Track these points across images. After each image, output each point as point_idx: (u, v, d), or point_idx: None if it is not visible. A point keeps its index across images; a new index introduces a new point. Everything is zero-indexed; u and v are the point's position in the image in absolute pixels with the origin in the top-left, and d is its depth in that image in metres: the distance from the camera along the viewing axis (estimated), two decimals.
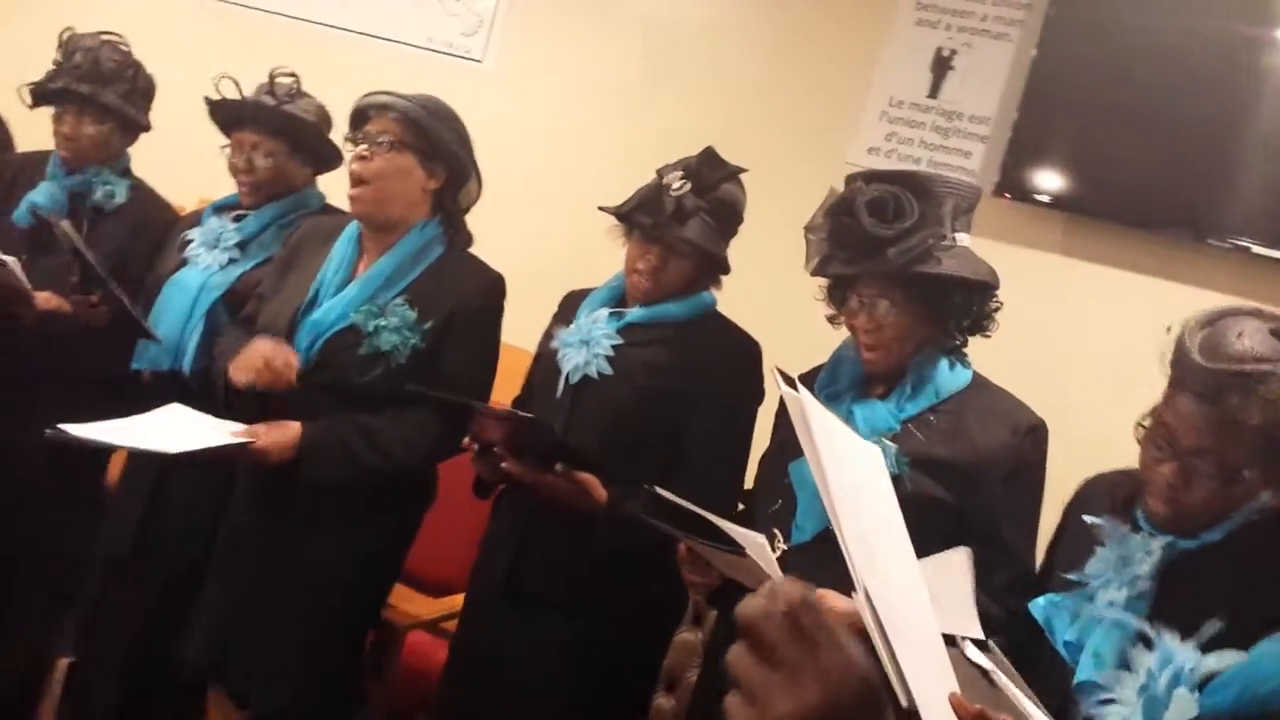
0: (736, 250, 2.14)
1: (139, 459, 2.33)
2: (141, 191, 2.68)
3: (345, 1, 3.95)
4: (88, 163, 2.57)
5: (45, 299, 2.37)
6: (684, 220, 1.99)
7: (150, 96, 2.68)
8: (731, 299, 2.21)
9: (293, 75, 2.52)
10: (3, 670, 2.80)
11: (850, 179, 1.82)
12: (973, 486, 1.70)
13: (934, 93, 3.07)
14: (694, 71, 3.43)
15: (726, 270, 2.13)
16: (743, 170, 2.09)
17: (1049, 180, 2.82)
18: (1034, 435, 1.77)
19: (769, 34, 3.34)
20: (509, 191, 3.30)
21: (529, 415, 1.98)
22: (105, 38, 2.58)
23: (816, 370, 1.93)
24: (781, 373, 1.28)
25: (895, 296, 1.73)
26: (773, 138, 3.20)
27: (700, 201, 2.00)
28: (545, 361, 2.16)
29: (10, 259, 2.28)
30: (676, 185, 1.99)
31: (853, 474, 1.17)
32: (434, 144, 2.14)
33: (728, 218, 2.06)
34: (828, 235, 1.78)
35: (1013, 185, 2.83)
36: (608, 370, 2.02)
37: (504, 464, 1.93)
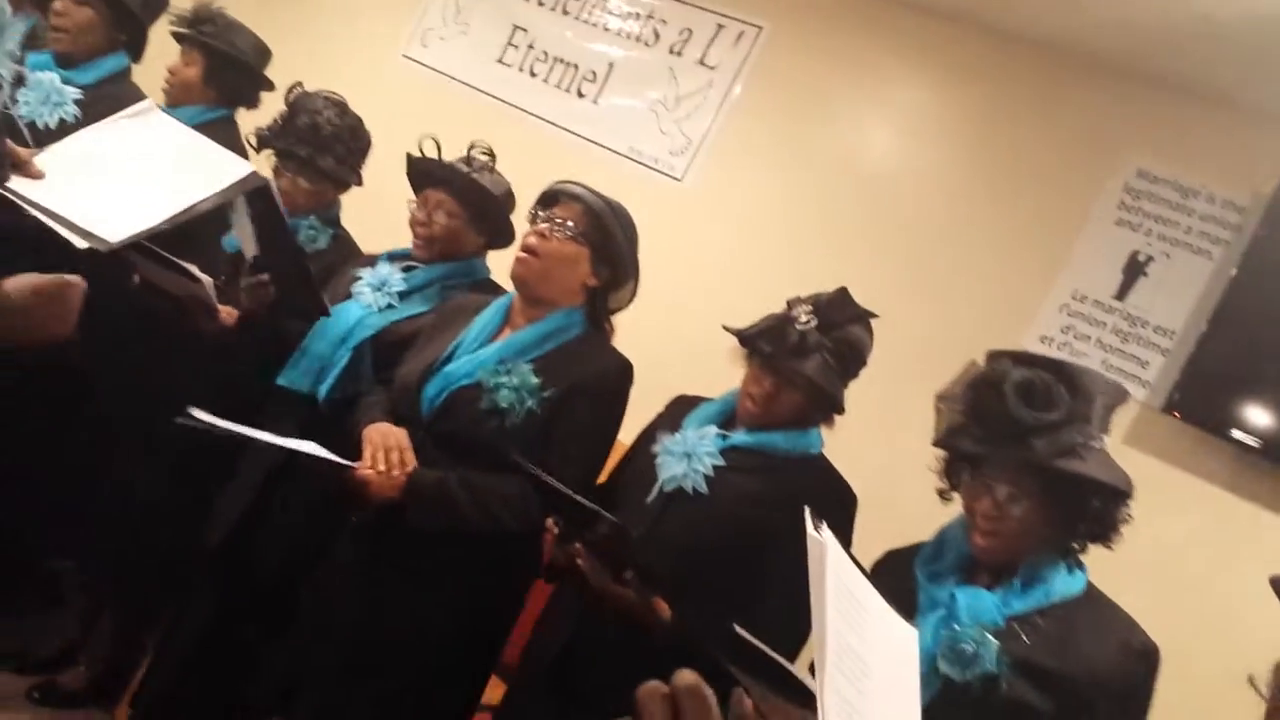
0: (865, 396, 2.09)
1: (251, 471, 2.43)
2: (342, 240, 2.84)
3: (566, 101, 4.17)
4: (300, 212, 2.74)
5: (227, 313, 2.54)
6: (804, 355, 1.96)
7: (365, 155, 2.84)
8: (847, 443, 2.15)
9: (490, 152, 2.64)
10: (100, 658, 2.95)
11: (995, 355, 1.75)
12: (1077, 703, 1.59)
13: (1121, 295, 2.96)
14: (878, 220, 3.44)
15: (839, 410, 2.08)
16: (873, 315, 2.05)
17: (1224, 408, 2.65)
18: (1148, 660, 1.64)
19: (964, 195, 3.32)
20: (679, 299, 3.38)
21: (614, 520, 1.93)
22: (328, 99, 2.76)
23: (915, 547, 1.85)
24: (811, 514, 1.22)
25: (1028, 488, 1.65)
26: (944, 300, 3.15)
27: (824, 339, 1.97)
28: (641, 461, 2.15)
29: (206, 278, 2.46)
30: (803, 319, 1.97)
31: (862, 638, 1.10)
32: (608, 246, 2.20)
33: (850, 359, 2.02)
34: (964, 409, 1.71)
35: (1185, 405, 2.68)
36: (703, 488, 1.99)
37: (579, 560, 1.90)
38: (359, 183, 2.86)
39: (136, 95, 2.65)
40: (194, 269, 2.42)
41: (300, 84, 2.78)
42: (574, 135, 4.10)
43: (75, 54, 2.73)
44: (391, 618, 2.13)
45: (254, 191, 2.20)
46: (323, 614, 2.23)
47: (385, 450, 2.06)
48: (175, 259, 2.39)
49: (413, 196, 2.64)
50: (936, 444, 1.76)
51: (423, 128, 4.17)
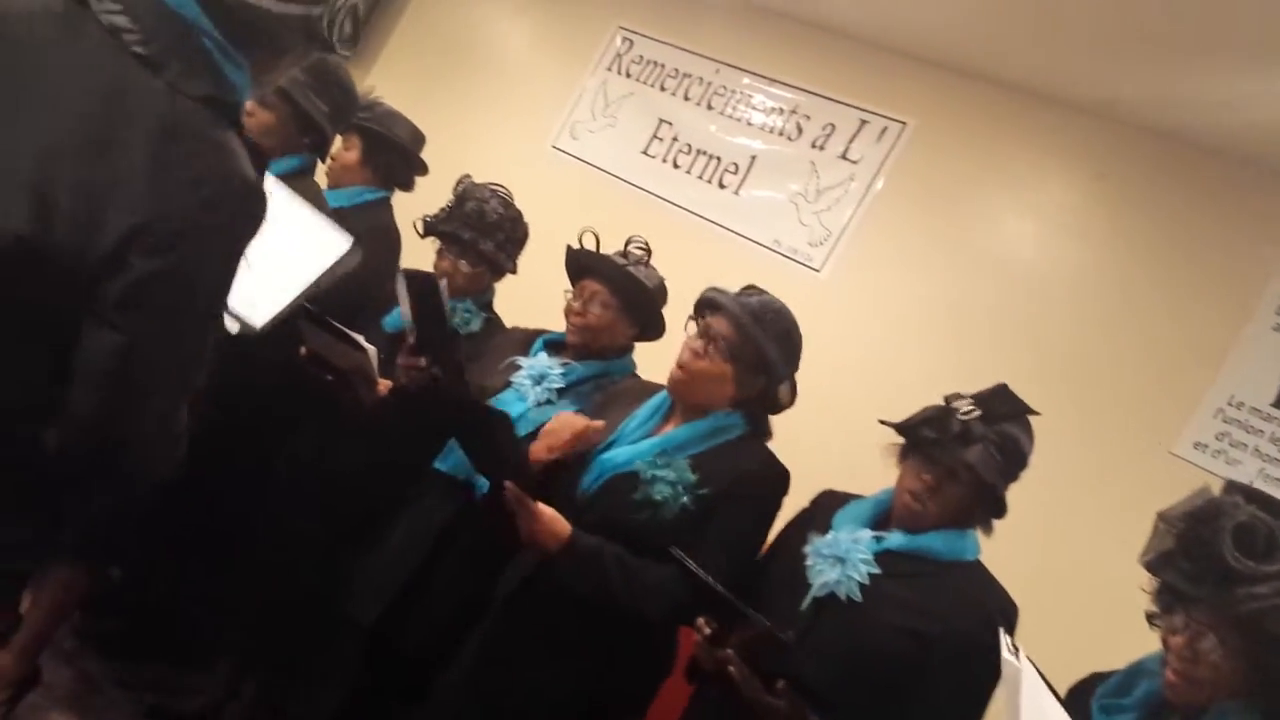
0: (1016, 500, 2.08)
1: (415, 536, 2.53)
2: (494, 324, 2.97)
3: (708, 192, 4.28)
4: (457, 295, 2.88)
5: (385, 385, 2.68)
6: (968, 444, 1.95)
7: (522, 245, 2.98)
8: (1001, 550, 2.13)
9: (645, 247, 2.73)
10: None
11: (1230, 487, 1.66)
12: None
13: None
14: (1023, 319, 3.42)
15: (1002, 509, 2.04)
16: (1035, 412, 2.03)
17: None
18: None
19: (1114, 296, 3.28)
20: (814, 391, 3.39)
21: (771, 627, 1.89)
22: (494, 190, 2.91)
23: (1101, 676, 1.80)
24: (1010, 641, 1.23)
25: (1228, 637, 1.55)
26: (1092, 403, 3.10)
27: (988, 431, 1.96)
28: (788, 560, 2.13)
29: (371, 348, 2.60)
30: (965, 409, 1.97)
31: None
32: (760, 360, 2.25)
33: (1012, 456, 1.99)
34: (1178, 536, 1.63)
35: None
36: (858, 596, 1.96)
37: (731, 666, 1.89)
38: (514, 270, 2.99)
39: (315, 193, 2.84)
40: (360, 339, 2.57)
41: (469, 176, 2.94)
42: (715, 225, 4.20)
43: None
44: (525, 693, 2.19)
45: (421, 282, 2.33)
46: (460, 686, 2.29)
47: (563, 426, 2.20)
48: (342, 328, 2.54)
49: (569, 286, 2.74)
50: (1144, 565, 1.70)
51: (571, 215, 4.32)
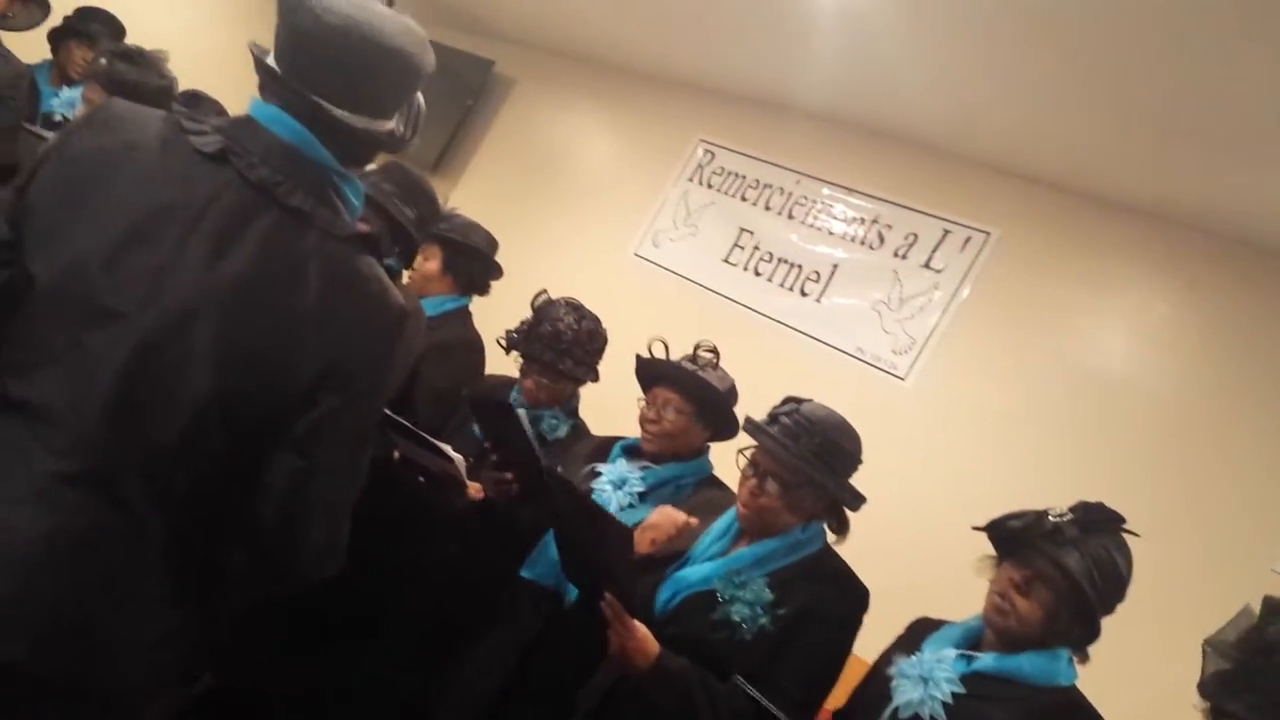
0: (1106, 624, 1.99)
1: (503, 646, 2.52)
2: (580, 429, 3.00)
3: (790, 299, 4.30)
4: (542, 405, 2.93)
5: (475, 490, 2.71)
6: (1059, 544, 1.89)
7: (601, 354, 3.02)
8: (1093, 681, 2.04)
9: (714, 350, 2.74)
10: None
11: (1274, 606, 1.62)
12: None
13: None
14: (1113, 433, 3.34)
15: (1096, 631, 1.95)
16: (1133, 533, 1.96)
17: None
18: None
19: (1206, 410, 3.21)
20: (896, 499, 3.35)
21: None
22: (569, 305, 2.96)
23: None
24: None
25: None
26: (1185, 521, 2.99)
27: (1081, 536, 1.90)
28: (876, 684, 2.09)
29: (458, 456, 2.64)
30: (1058, 513, 1.92)
31: None
32: (831, 490, 2.22)
33: (1109, 570, 1.91)
34: (1234, 663, 1.60)
35: None
36: (941, 717, 1.90)
37: None
38: (595, 379, 3.02)
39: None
40: (447, 448, 2.60)
41: (545, 291, 3.00)
42: (797, 332, 4.21)
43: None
44: None
45: (496, 409, 2.40)
46: None
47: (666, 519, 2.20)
48: (428, 438, 2.59)
49: (642, 394, 2.75)
50: (1202, 695, 1.64)
51: (652, 321, 4.38)
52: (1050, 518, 1.93)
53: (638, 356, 2.71)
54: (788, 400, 2.33)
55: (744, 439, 2.35)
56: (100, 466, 1.33)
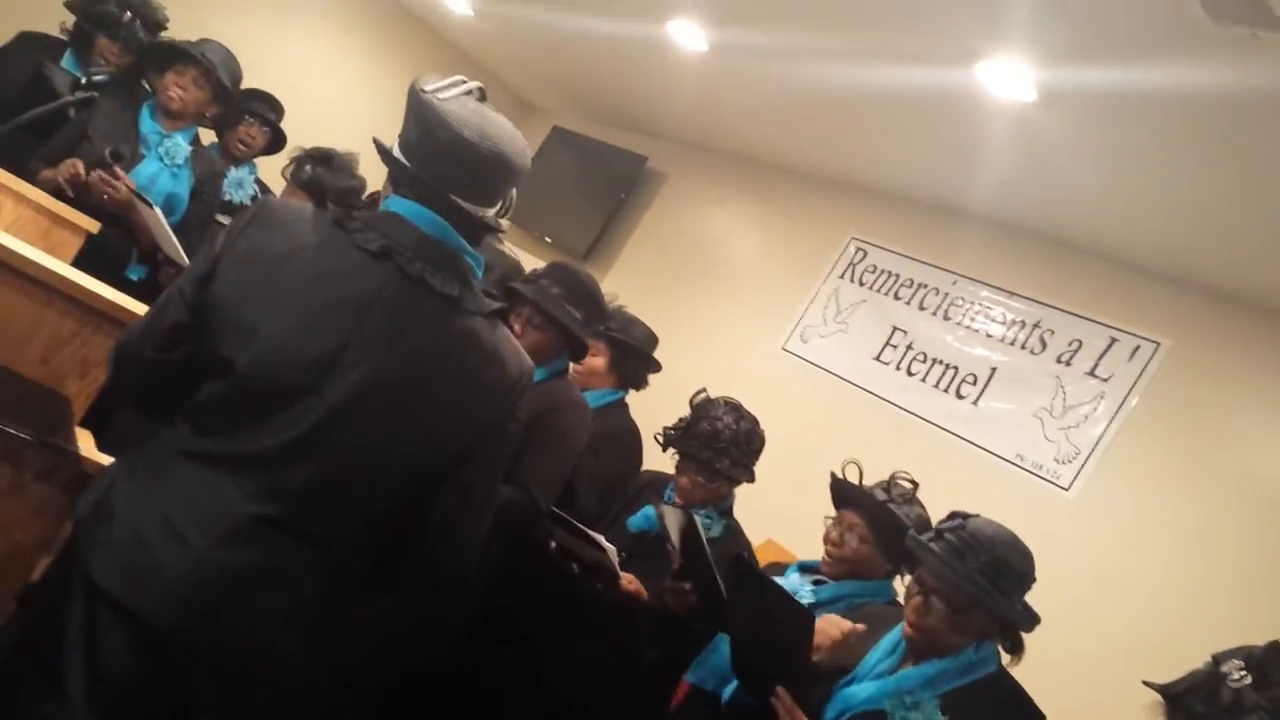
0: None
1: None
2: (733, 530, 3.00)
3: (945, 401, 4.25)
4: (696, 504, 2.93)
5: (627, 580, 2.73)
6: (1239, 716, 1.81)
7: (758, 455, 3.02)
8: None
9: (913, 482, 2.67)
10: None
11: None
12: None
13: None
14: None
15: None
16: None
17: None
18: None
19: None
20: (1061, 615, 3.24)
21: None
22: (728, 404, 2.98)
23: None
24: None
25: None
26: None
27: (1260, 699, 1.81)
28: None
29: (610, 547, 2.68)
30: (1236, 676, 1.83)
31: None
32: (1000, 611, 2.18)
33: None
34: None
35: None
36: None
37: None
38: (751, 480, 3.03)
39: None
40: (601, 538, 2.64)
41: (704, 391, 3.04)
42: (952, 435, 4.14)
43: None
44: None
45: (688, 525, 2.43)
46: None
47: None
48: (583, 528, 2.63)
49: (831, 513, 2.72)
50: None
51: (801, 416, 4.40)
52: (1229, 684, 1.85)
53: (832, 475, 2.69)
54: (953, 515, 2.28)
55: None
56: (291, 511, 1.58)
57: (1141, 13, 2.57)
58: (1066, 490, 3.75)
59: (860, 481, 2.61)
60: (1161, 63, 2.72)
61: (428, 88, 1.63)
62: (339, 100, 6.46)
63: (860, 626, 2.29)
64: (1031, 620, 2.17)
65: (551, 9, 5.11)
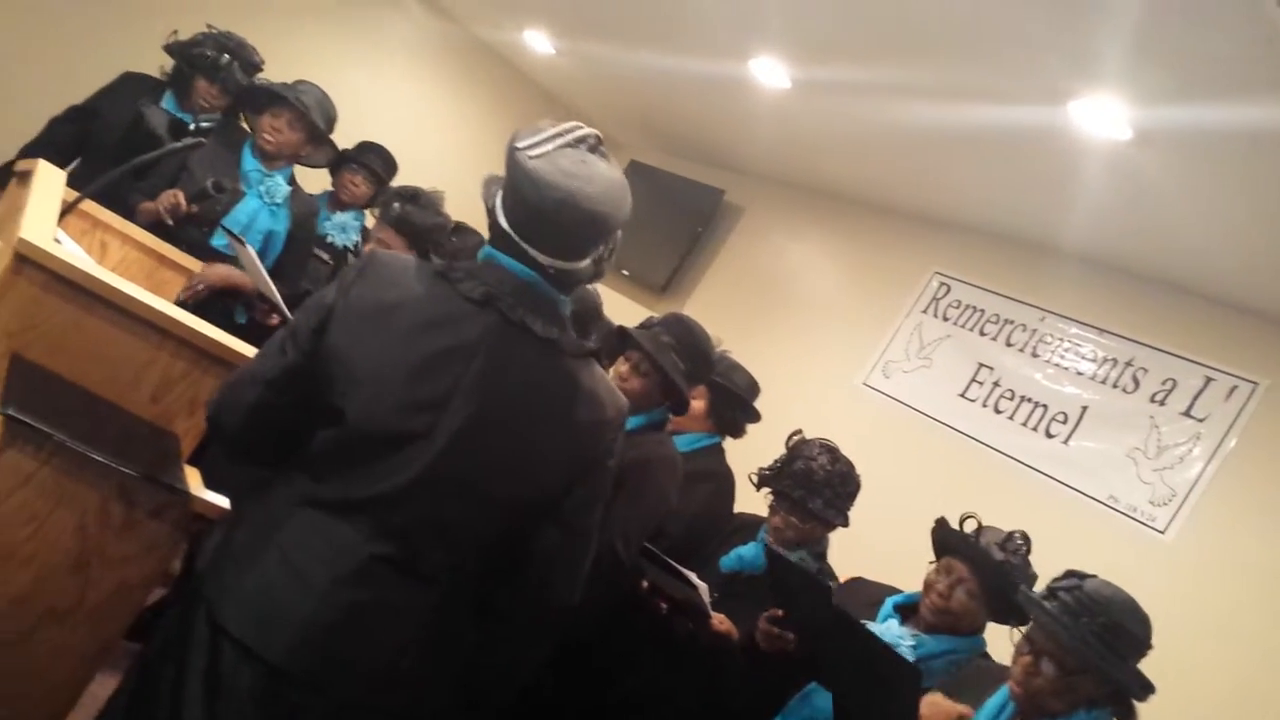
0: None
1: None
2: (826, 574, 2.97)
3: (1033, 440, 4.17)
4: (791, 545, 2.91)
5: (718, 621, 2.71)
6: None
7: (853, 498, 2.98)
8: None
9: (1026, 538, 2.59)
10: None
11: None
12: None
13: None
14: None
15: None
16: None
17: None
18: None
19: None
20: (1156, 668, 3.14)
21: None
22: (823, 445, 2.96)
23: None
24: None
25: None
26: None
27: None
28: None
29: (703, 585, 2.66)
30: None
31: None
32: (1115, 677, 2.12)
33: None
34: None
35: None
36: None
37: None
38: (845, 524, 2.99)
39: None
40: (693, 576, 2.63)
41: (800, 431, 3.01)
42: (1042, 474, 4.06)
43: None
44: None
45: (797, 574, 2.42)
46: None
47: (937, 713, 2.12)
48: (676, 565, 2.62)
49: (934, 559, 2.66)
50: None
51: (882, 452, 4.34)
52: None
53: (938, 521, 2.65)
54: (1068, 574, 2.22)
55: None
56: (405, 550, 1.65)
57: (1238, 51, 2.53)
58: (1162, 534, 3.64)
59: (978, 534, 2.55)
60: (1259, 100, 2.67)
61: (520, 144, 1.66)
62: (422, 136, 6.58)
63: (967, 711, 2.23)
64: (1145, 689, 2.10)
65: (633, 48, 5.16)
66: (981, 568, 2.50)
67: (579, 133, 1.71)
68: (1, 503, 1.68)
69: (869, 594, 2.78)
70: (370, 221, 4.39)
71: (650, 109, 6.44)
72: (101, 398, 1.86)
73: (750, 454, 3.28)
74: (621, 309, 5.13)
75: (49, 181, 2.20)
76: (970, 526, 2.53)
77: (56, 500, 1.70)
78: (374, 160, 4.36)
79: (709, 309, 6.08)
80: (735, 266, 6.27)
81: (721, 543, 3.01)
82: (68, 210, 2.23)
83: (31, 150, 3.67)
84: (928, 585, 2.58)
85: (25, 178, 2.34)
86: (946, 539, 2.60)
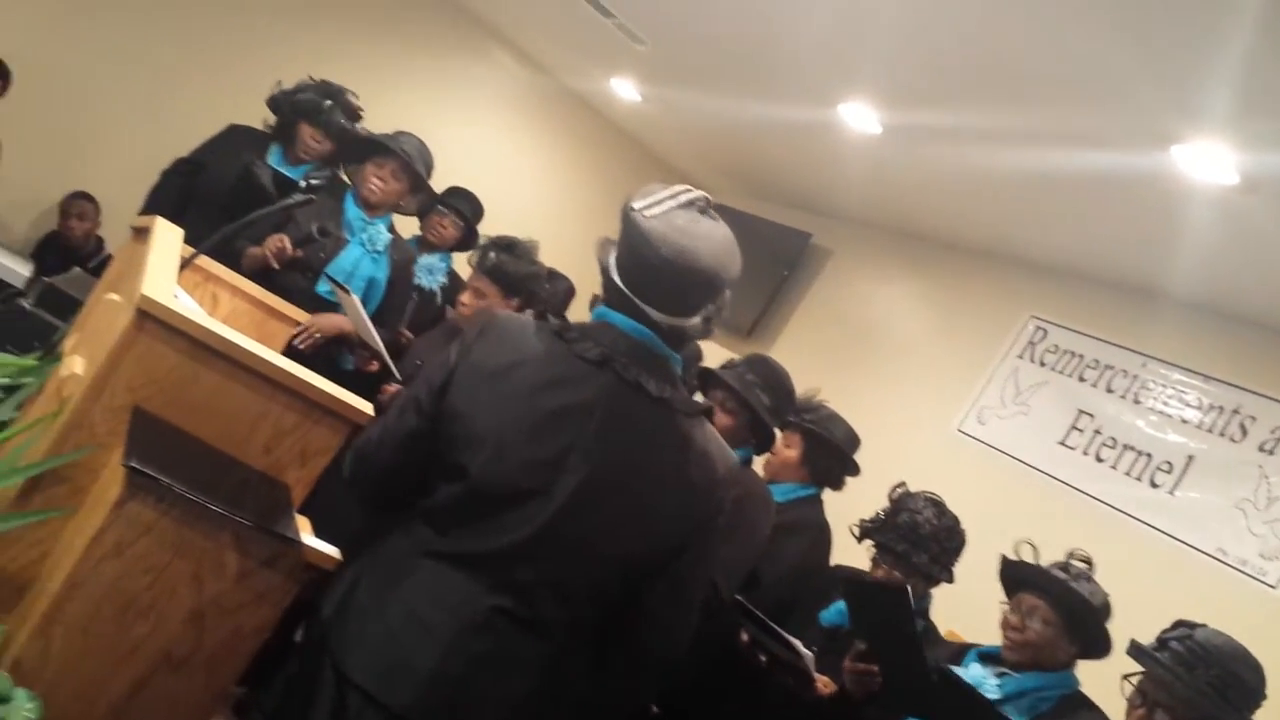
0: None
1: None
2: (931, 632, 2.92)
3: (1136, 490, 4.05)
4: None
5: (824, 684, 2.68)
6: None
7: (958, 554, 2.93)
8: None
9: (1088, 560, 2.59)
10: None
11: None
12: None
13: None
14: None
15: None
16: None
17: None
18: None
19: None
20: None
21: None
22: (929, 499, 2.93)
23: None
24: None
25: None
26: None
27: None
28: None
29: (808, 653, 2.63)
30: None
31: None
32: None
33: None
34: None
35: None
36: None
37: None
38: (950, 580, 2.94)
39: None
40: (798, 644, 2.60)
41: (904, 484, 2.97)
42: (1146, 525, 3.94)
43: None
44: None
45: (882, 595, 2.35)
46: None
47: None
48: (777, 628, 2.59)
49: (1005, 598, 2.63)
50: None
51: (978, 500, 4.24)
52: None
53: (1004, 558, 2.62)
54: (1179, 624, 2.18)
55: (1123, 661, 2.20)
56: (523, 602, 1.69)
57: None
58: (1274, 589, 3.50)
59: (1036, 561, 2.52)
60: None
61: (636, 205, 1.70)
62: (510, 182, 6.70)
63: None
64: None
65: (721, 94, 5.20)
66: (1048, 590, 2.47)
67: (690, 195, 1.75)
68: (123, 552, 1.72)
69: (950, 650, 2.74)
70: (456, 263, 4.48)
71: (736, 152, 6.47)
72: (217, 449, 1.90)
73: (839, 499, 3.25)
74: (707, 352, 5.12)
75: (167, 238, 2.28)
76: (1027, 554, 2.50)
77: (175, 550, 1.75)
78: (462, 204, 4.45)
79: (795, 352, 6.04)
80: (822, 310, 6.23)
81: (819, 597, 2.98)
82: (183, 266, 2.31)
83: (149, 204, 3.84)
84: (1003, 625, 2.55)
85: (142, 234, 2.42)
86: (1011, 573, 2.58)
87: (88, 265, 4.95)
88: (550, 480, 1.68)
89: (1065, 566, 2.56)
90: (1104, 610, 2.56)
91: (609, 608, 1.77)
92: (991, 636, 2.81)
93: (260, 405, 1.94)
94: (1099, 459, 4.22)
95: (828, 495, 3.27)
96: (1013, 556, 2.60)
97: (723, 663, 2.86)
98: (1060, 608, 2.49)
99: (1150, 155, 3.19)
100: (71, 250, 5.20)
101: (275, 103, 3.84)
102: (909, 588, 2.46)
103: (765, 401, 2.85)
